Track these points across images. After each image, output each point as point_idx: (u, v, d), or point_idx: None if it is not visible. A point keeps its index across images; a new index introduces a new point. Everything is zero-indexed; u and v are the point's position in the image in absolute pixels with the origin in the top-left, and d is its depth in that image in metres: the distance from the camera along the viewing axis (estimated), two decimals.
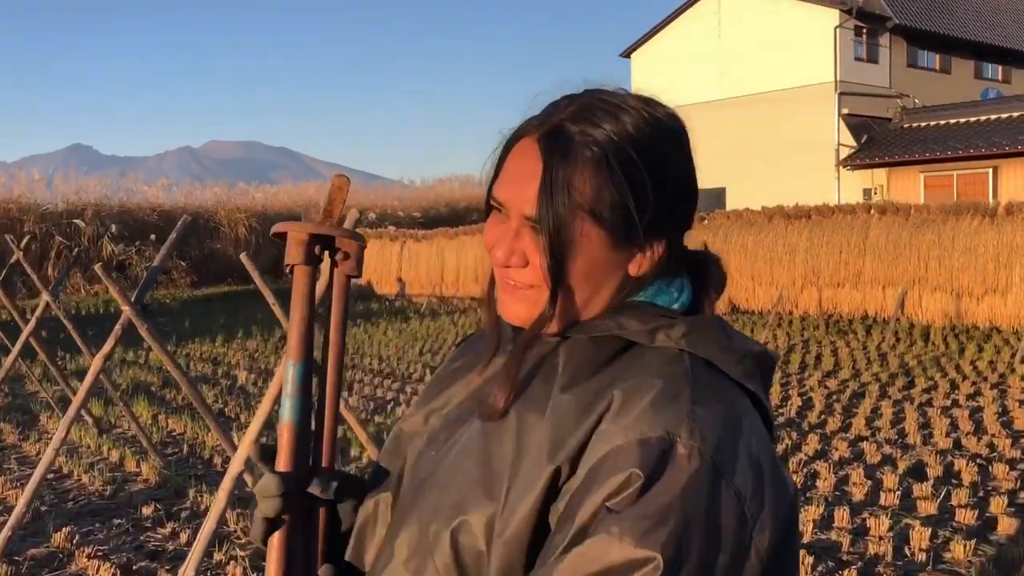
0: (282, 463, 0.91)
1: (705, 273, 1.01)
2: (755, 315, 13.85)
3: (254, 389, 9.39)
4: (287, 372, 0.91)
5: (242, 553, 4.73)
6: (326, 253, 0.96)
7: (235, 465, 3.44)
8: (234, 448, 5.29)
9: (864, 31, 27.03)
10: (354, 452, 6.60)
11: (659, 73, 30.21)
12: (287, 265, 0.94)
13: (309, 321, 0.93)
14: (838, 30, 26.25)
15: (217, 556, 4.60)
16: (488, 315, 1.03)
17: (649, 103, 0.95)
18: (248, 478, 4.51)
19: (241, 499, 5.29)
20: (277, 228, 0.95)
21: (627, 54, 31.94)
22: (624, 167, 0.89)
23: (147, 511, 5.42)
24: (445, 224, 23.55)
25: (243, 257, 3.89)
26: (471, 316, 15.93)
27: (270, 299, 3.83)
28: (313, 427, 0.97)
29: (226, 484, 3.46)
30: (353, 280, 0.99)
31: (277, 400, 3.70)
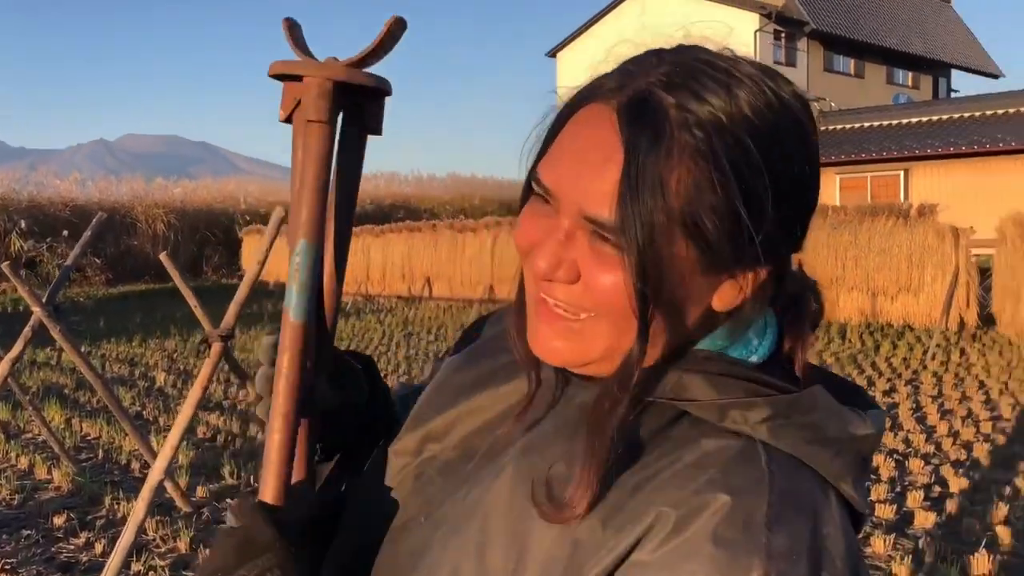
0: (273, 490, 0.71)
1: (795, 306, 0.74)
2: None
3: (173, 391, 9.11)
4: (297, 257, 0.72)
5: (162, 563, 4.56)
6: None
7: (155, 474, 3.31)
8: (153, 454, 5.11)
9: (783, 35, 27.74)
10: None
11: (585, 72, 30.46)
12: (289, 117, 0.72)
13: (325, 192, 0.73)
14: (758, 34, 26.86)
15: (136, 567, 4.43)
16: (520, 343, 0.76)
17: (770, 74, 0.68)
18: (169, 485, 4.36)
19: (161, 506, 5.12)
20: (280, 68, 0.72)
21: (553, 53, 32.13)
22: (736, 162, 0.64)
23: (59, 521, 5.18)
24: (370, 221, 23.32)
25: (163, 256, 3.76)
26: (397, 315, 15.79)
27: (191, 300, 3.69)
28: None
29: (145, 494, 3.33)
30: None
31: (199, 404, 3.57)
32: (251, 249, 20.30)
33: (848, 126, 26.20)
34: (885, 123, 25.38)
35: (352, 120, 0.75)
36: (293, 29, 0.74)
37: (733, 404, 0.66)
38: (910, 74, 33.39)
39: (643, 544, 0.62)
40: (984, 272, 11.30)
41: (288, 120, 0.73)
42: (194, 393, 3.31)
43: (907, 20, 33.31)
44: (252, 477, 5.95)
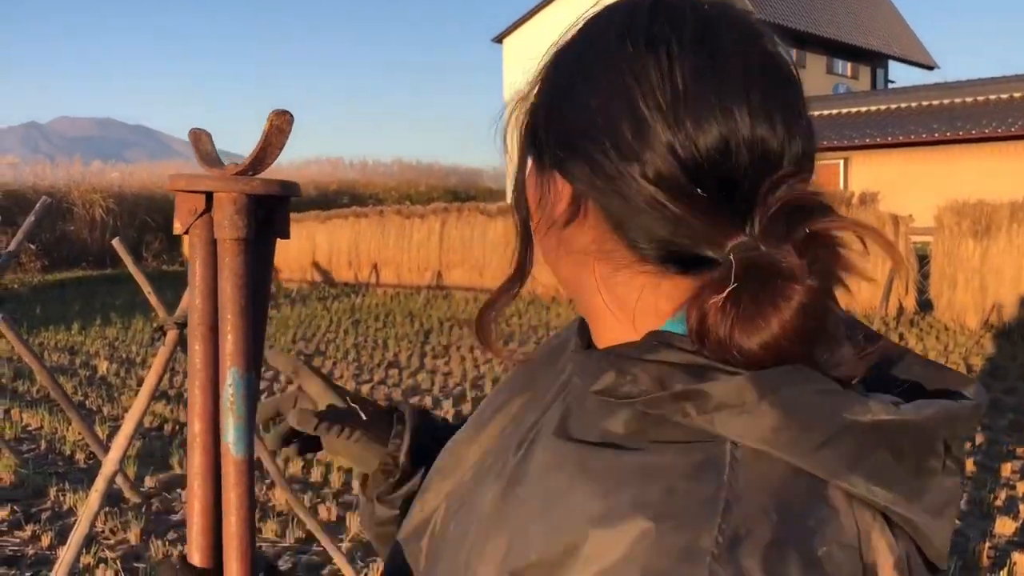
0: (199, 549, 0.69)
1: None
2: None
3: (116, 380, 8.92)
4: (231, 388, 0.67)
5: (112, 555, 4.48)
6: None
7: (109, 465, 3.25)
8: (100, 444, 5.01)
9: None
10: None
11: (531, 59, 30.44)
12: (230, 239, 0.67)
13: (250, 312, 0.69)
14: None
15: (85, 559, 4.34)
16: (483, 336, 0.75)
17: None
18: (119, 477, 4.28)
19: (109, 497, 5.02)
20: (185, 184, 0.68)
21: (499, 39, 32.02)
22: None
23: (2, 513, 5.06)
24: (315, 207, 23.03)
25: (115, 242, 3.67)
26: (344, 302, 15.66)
27: (146, 287, 3.62)
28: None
29: (99, 485, 3.26)
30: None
31: (155, 393, 3.51)
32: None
33: None
34: (826, 113, 25.87)
35: (261, 228, 0.71)
36: (200, 138, 0.71)
37: (682, 394, 0.56)
38: (849, 64, 34.08)
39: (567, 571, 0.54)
40: (922, 259, 11.62)
41: (184, 233, 0.69)
42: (149, 381, 3.25)
43: (846, 11, 33.95)
44: None
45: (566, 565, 0.54)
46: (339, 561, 3.97)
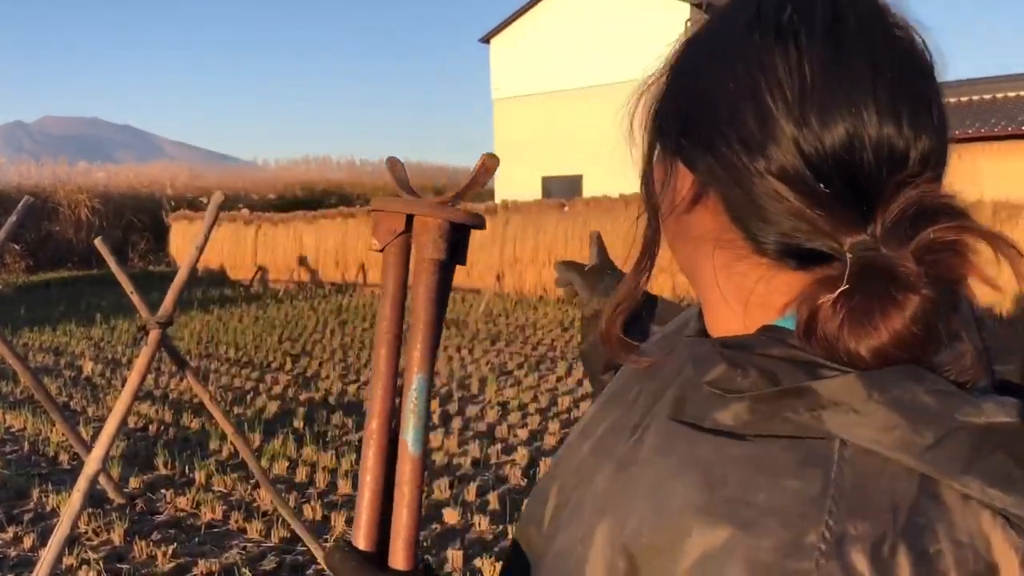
0: (365, 536, 0.74)
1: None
2: None
3: (101, 380, 8.88)
4: (414, 392, 0.73)
5: (95, 556, 4.47)
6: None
7: (92, 464, 3.24)
8: (84, 445, 5.00)
9: None
10: (213, 445, 6.36)
11: (518, 59, 30.50)
12: (431, 259, 0.74)
13: (436, 326, 0.76)
14: (688, 24, 27.21)
15: (68, 560, 4.33)
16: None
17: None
18: (102, 477, 4.27)
19: (92, 498, 5.00)
20: (400, 207, 0.75)
21: (487, 39, 32.00)
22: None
23: None
24: (302, 207, 22.96)
25: (97, 242, 3.66)
26: (331, 302, 15.62)
27: (128, 286, 3.61)
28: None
29: (81, 485, 3.26)
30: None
31: (137, 393, 3.51)
32: (180, 235, 19.83)
33: None
34: None
35: (449, 254, 0.78)
36: (396, 167, 0.79)
37: (780, 395, 0.57)
38: None
39: (680, 555, 0.56)
40: None
41: (380, 250, 0.77)
42: (132, 381, 3.24)
43: None
44: (187, 467, 5.86)
45: (672, 552, 0.56)
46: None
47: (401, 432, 0.72)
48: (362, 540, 0.73)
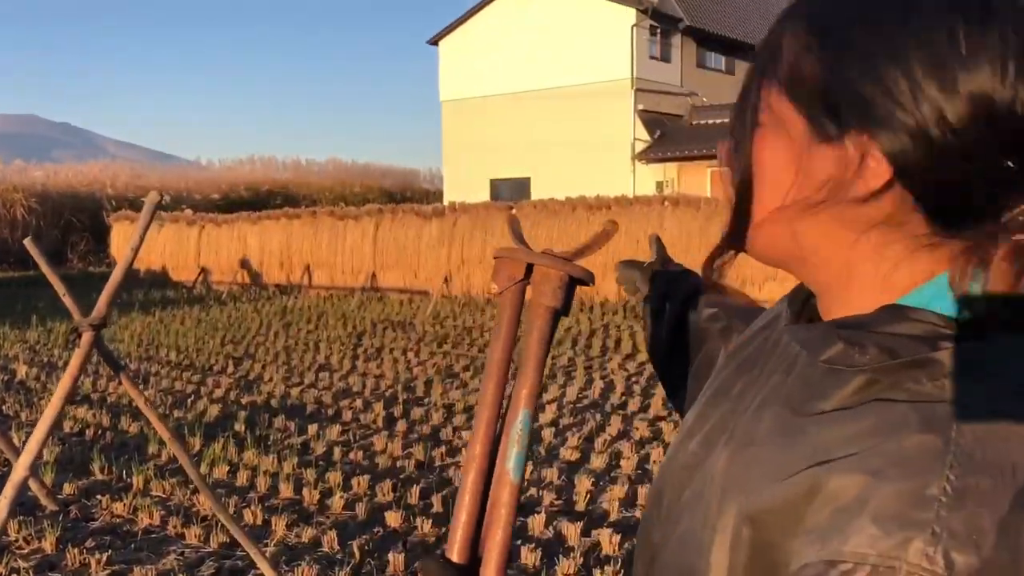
0: (460, 551, 0.79)
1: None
2: None
3: (36, 384, 8.66)
4: (520, 425, 0.79)
5: (25, 564, 4.36)
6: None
7: (19, 471, 3.16)
8: (14, 451, 4.87)
9: (658, 31, 28.42)
10: (151, 450, 6.24)
11: (467, 62, 30.49)
12: (549, 307, 0.81)
13: (543, 367, 0.82)
14: (635, 29, 27.45)
15: None
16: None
17: None
18: (33, 483, 4.16)
19: (23, 505, 4.88)
20: (526, 258, 0.82)
21: (435, 41, 31.94)
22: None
23: None
24: (246, 208, 22.67)
25: (27, 242, 3.57)
26: (276, 304, 15.45)
27: (59, 287, 3.53)
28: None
29: (8, 492, 3.17)
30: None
31: (69, 397, 3.43)
32: (121, 236, 19.41)
33: (720, 121, 27.12)
34: None
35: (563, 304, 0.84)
36: (513, 222, 0.88)
37: (905, 364, 0.59)
38: None
39: (806, 505, 0.58)
40: None
41: (499, 294, 0.83)
42: (63, 385, 3.17)
43: (773, 20, 34.72)
44: (124, 472, 5.75)
45: (801, 509, 0.58)
46: (263, 566, 3.93)
47: (503, 459, 0.79)
48: (456, 554, 0.78)
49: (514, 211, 14.60)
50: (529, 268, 0.82)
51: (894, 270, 0.63)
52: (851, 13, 0.63)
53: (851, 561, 0.53)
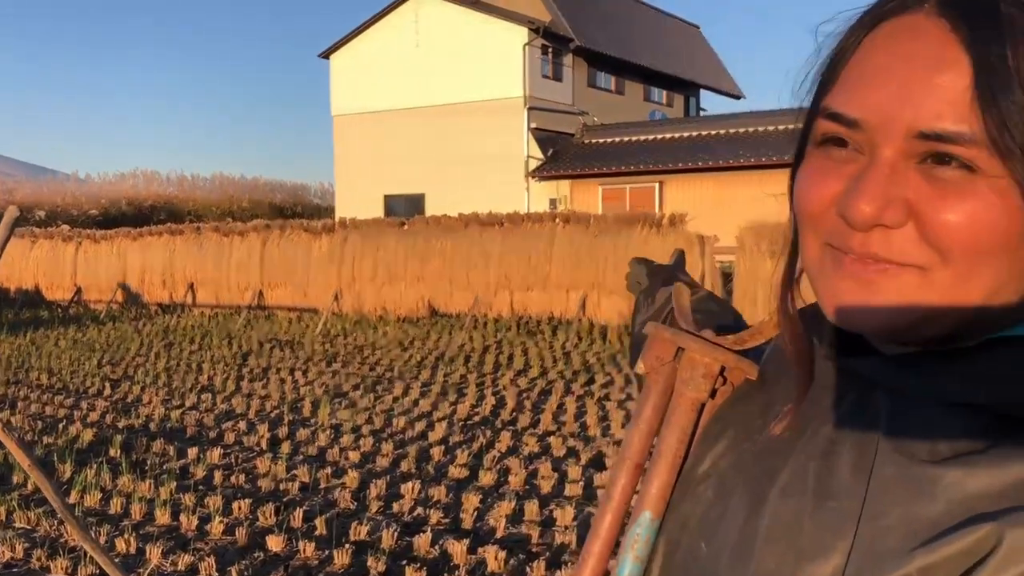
0: None
1: None
2: (453, 318, 14.25)
3: None
4: (639, 528, 0.70)
5: None
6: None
7: None
8: None
9: (550, 50, 28.84)
10: (16, 479, 5.91)
11: (359, 76, 30.24)
12: (693, 399, 0.71)
13: (678, 467, 0.72)
14: (527, 48, 27.78)
15: None
16: (789, 330, 0.66)
17: None
18: None
19: None
20: (671, 338, 0.73)
21: (326, 55, 31.57)
22: None
23: None
24: (128, 223, 21.82)
25: None
26: (157, 323, 14.89)
27: None
28: None
29: None
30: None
31: None
32: None
33: (610, 140, 27.70)
34: (643, 138, 27.06)
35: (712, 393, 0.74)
36: (682, 296, 0.79)
37: None
38: (665, 92, 35.79)
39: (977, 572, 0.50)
40: (727, 277, 12.33)
41: (644, 373, 0.75)
42: None
43: (662, 42, 35.69)
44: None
45: (968, 571, 0.50)
46: None
47: (615, 564, 0.71)
48: None
49: (406, 227, 14.49)
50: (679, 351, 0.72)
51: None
52: None
53: None
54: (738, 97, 41.23)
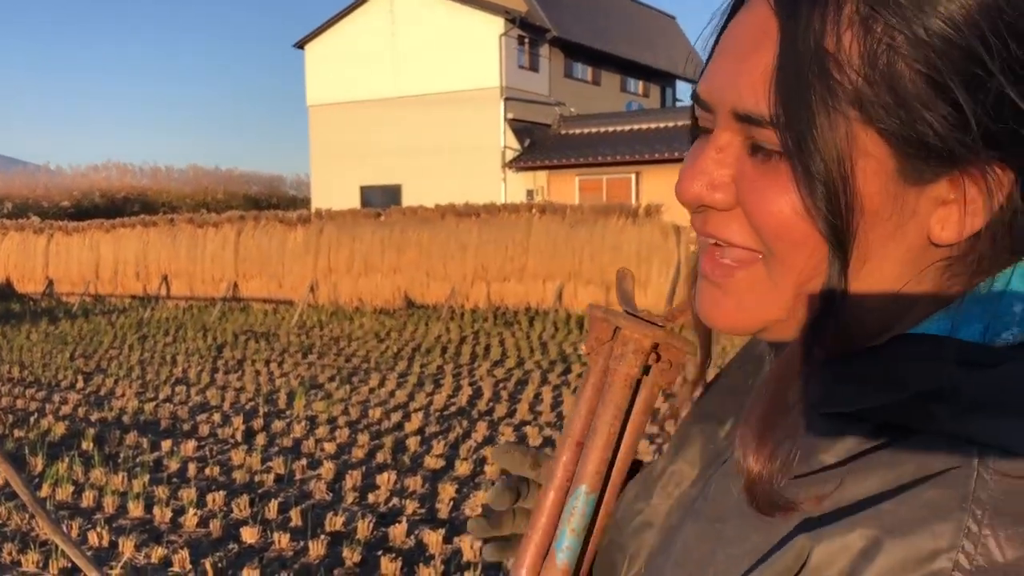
0: None
1: None
2: (430, 309, 14.24)
3: None
4: (575, 501, 0.71)
5: None
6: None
7: None
8: None
9: (526, 41, 28.78)
10: None
11: (334, 66, 30.03)
12: (625, 374, 0.71)
13: (613, 445, 0.73)
14: (503, 38, 27.71)
15: None
16: (695, 322, 0.66)
17: None
18: None
19: None
20: (602, 316, 0.73)
21: (301, 45, 31.33)
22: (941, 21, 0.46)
23: None
24: (101, 215, 21.60)
25: None
26: (131, 316, 14.76)
27: None
28: None
29: None
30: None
31: None
32: None
33: (587, 130, 27.70)
34: (619, 128, 27.08)
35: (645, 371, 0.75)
36: (624, 280, 0.79)
37: (933, 393, 0.47)
38: (641, 83, 35.84)
39: None
40: None
41: (587, 355, 0.76)
42: None
43: (638, 33, 35.73)
44: None
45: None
46: None
47: (553, 540, 0.72)
48: None
49: (382, 218, 14.44)
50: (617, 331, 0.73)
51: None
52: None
53: None
54: None
